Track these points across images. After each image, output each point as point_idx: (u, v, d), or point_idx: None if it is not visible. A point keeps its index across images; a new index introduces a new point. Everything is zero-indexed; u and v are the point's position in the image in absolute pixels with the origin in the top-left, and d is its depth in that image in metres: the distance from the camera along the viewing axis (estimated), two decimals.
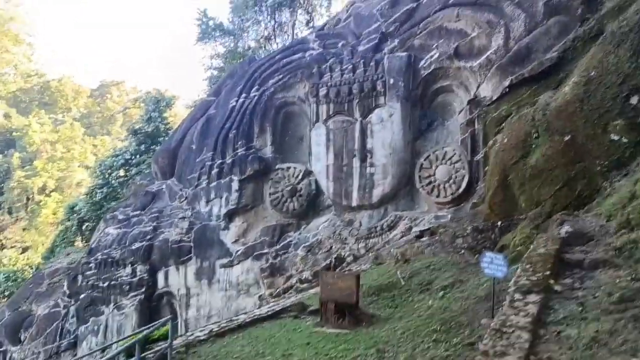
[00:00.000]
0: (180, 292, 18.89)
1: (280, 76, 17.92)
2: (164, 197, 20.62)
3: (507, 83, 13.78)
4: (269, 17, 27.42)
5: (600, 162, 9.96)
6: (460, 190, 14.57)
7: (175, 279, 18.98)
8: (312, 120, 17.04)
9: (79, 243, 35.66)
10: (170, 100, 29.99)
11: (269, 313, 10.46)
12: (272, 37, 27.65)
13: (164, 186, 20.84)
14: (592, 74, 10.59)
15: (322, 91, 16.65)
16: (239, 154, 17.93)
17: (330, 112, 16.56)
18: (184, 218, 19.00)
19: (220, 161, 18.38)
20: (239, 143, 18.04)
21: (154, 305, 19.54)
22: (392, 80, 15.52)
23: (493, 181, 11.58)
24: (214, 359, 7.91)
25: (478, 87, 14.46)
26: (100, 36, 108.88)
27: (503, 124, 13.94)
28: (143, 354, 7.80)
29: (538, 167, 10.75)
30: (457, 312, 8.69)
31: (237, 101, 18.77)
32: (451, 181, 14.81)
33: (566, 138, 10.47)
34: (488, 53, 14.22)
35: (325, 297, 9.83)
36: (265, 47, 27.35)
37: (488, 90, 14.28)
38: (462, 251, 11.76)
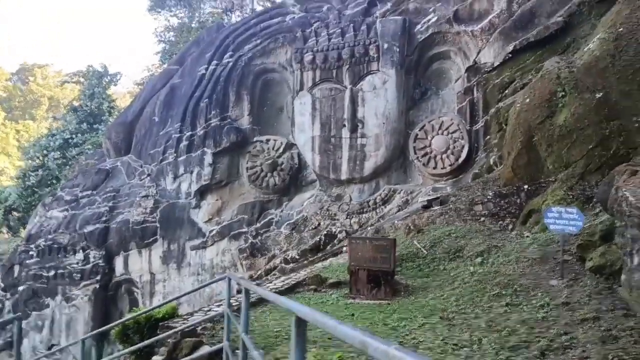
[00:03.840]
0: (143, 279, 16.95)
1: (259, 41, 16.46)
2: (119, 175, 18.49)
3: (510, 48, 13.25)
4: None
5: (637, 120, 9.51)
6: (460, 160, 13.91)
7: (137, 264, 16.99)
8: (296, 88, 15.74)
9: (3, 235, 32.12)
10: (116, 76, 27.35)
11: (285, 287, 9.16)
12: (231, 10, 25.89)
13: (119, 163, 18.70)
14: (621, 29, 10.15)
15: (308, 57, 15.39)
16: (213, 124, 16.28)
17: (317, 79, 15.35)
18: (147, 196, 17.04)
19: (190, 133, 16.62)
20: (212, 113, 16.38)
21: (110, 295, 17.43)
22: (386, 45, 14.56)
23: (516, 143, 10.91)
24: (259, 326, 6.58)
25: (479, 52, 13.83)
26: (28, 14, 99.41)
27: (506, 91, 13.45)
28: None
29: (567, 127, 10.17)
30: (513, 276, 7.86)
31: (207, 69, 17.07)
32: (449, 152, 14.11)
33: (598, 95, 9.95)
34: (491, 16, 13.64)
35: (356, 265, 8.68)
36: (222, 20, 25.54)
37: (489, 56, 13.69)
38: (482, 218, 11.01)
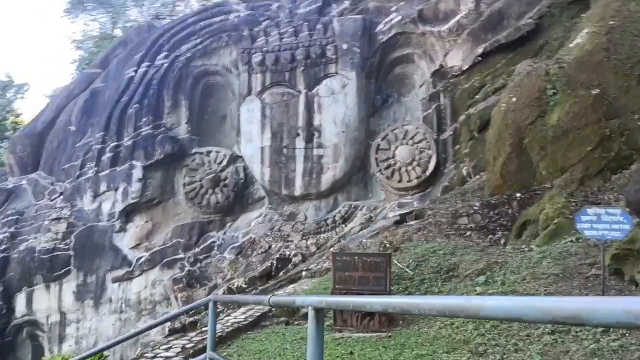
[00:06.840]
0: (51, 320, 13.95)
1: (199, 40, 14.51)
2: (24, 195, 15.50)
3: (480, 51, 12.29)
4: None
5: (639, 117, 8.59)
6: (427, 172, 12.59)
7: (44, 301, 14.00)
8: (242, 93, 13.89)
9: None
10: (22, 87, 24.04)
11: (248, 320, 7.13)
12: (160, 16, 23.62)
13: (24, 181, 15.72)
14: (612, 23, 9.38)
15: (256, 57, 13.65)
16: (143, 133, 13.96)
17: (267, 83, 13.61)
18: (59, 219, 14.24)
19: (115, 144, 14.17)
20: (143, 120, 14.08)
21: (8, 342, 14.19)
22: (345, 46, 13.15)
23: (504, 146, 9.67)
24: None
25: (445, 55, 12.76)
26: None
27: (477, 96, 12.40)
28: None
29: (562, 127, 9.08)
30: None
31: (136, 71, 14.82)
32: (415, 163, 12.78)
33: (594, 92, 8.98)
34: (459, 17, 12.65)
35: (343, 288, 6.85)
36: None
37: (457, 59, 12.64)
38: (468, 232, 9.58)
